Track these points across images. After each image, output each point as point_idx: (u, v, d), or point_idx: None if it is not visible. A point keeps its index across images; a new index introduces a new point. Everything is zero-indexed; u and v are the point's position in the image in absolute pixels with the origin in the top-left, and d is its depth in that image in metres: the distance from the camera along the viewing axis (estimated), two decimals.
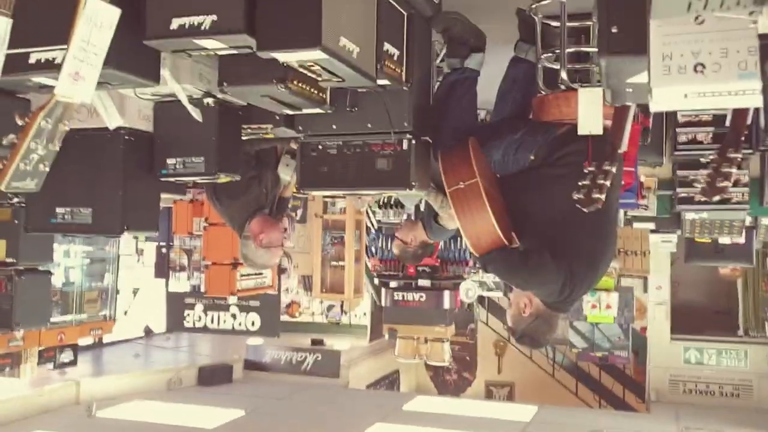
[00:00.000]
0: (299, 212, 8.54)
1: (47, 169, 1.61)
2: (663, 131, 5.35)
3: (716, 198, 1.85)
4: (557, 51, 2.78)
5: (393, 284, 6.10)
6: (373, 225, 7.08)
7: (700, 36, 1.32)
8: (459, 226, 2.65)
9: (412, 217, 5.80)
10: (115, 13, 1.71)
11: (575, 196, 1.98)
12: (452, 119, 2.97)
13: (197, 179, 3.08)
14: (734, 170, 1.79)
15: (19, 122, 1.58)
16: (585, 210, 2.00)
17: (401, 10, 2.67)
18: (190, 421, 7.50)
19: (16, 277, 3.73)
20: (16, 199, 3.57)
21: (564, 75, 2.68)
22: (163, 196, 3.72)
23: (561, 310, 2.80)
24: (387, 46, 2.53)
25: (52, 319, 7.36)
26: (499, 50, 3.13)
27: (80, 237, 6.52)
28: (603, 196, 1.96)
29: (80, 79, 1.56)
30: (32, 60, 2.13)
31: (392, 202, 6.04)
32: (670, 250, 7.49)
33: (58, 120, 1.56)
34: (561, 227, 2.62)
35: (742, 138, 1.94)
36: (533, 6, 2.85)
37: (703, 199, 1.89)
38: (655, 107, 1.40)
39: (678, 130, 5.24)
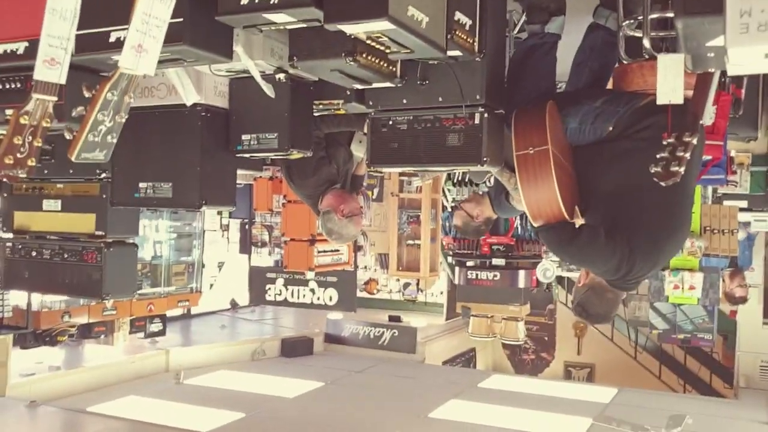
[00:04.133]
0: (375, 191, 8.57)
1: (115, 141, 1.67)
2: (759, 102, 5.05)
3: None
4: (640, 17, 2.65)
5: (469, 263, 6.05)
6: (447, 203, 7.04)
7: None
8: (522, 193, 2.59)
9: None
10: None
11: (653, 170, 1.89)
12: (528, 85, 2.88)
13: (271, 155, 3.13)
14: None
15: (87, 94, 1.64)
16: (663, 184, 1.90)
17: None
18: (272, 390, 7.74)
19: (105, 249, 3.90)
20: (104, 174, 3.74)
21: (647, 43, 2.55)
22: (242, 172, 3.82)
23: (623, 288, 2.73)
24: (458, 15, 2.47)
25: (142, 291, 7.76)
26: (576, 17, 3.02)
27: (162, 210, 6.78)
28: (682, 169, 1.86)
29: (143, 51, 1.60)
30: (112, 39, 2.22)
31: (466, 180, 5.98)
32: (765, 229, 7.12)
33: (123, 92, 1.61)
34: (628, 203, 2.54)
35: None
36: None
37: None
38: (733, 70, 1.30)
39: None
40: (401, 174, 8.39)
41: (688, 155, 1.87)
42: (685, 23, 1.40)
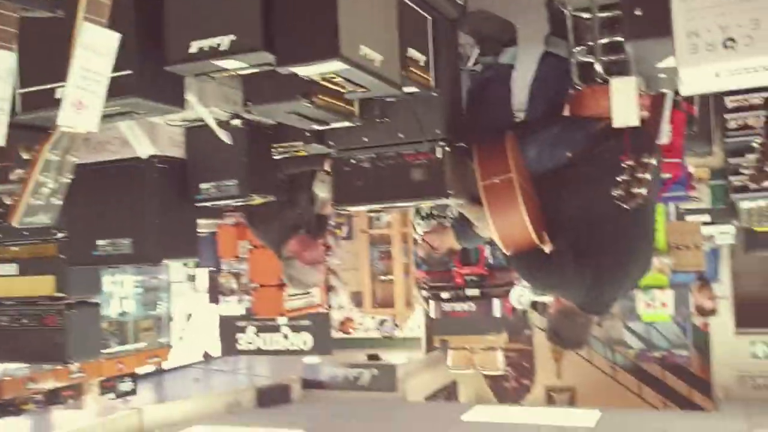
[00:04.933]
0: (345, 228, 8.53)
1: (60, 202, 1.60)
2: (711, 118, 5.15)
3: (766, 183, 1.73)
4: (590, 43, 2.68)
5: (443, 295, 6.01)
6: (418, 237, 7.01)
7: (728, 8, 1.21)
8: (490, 222, 2.59)
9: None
10: (114, 38, 1.69)
11: (614, 193, 1.90)
12: (487, 116, 2.90)
13: (232, 202, 3.07)
14: None
15: (25, 156, 1.57)
16: (626, 206, 1.90)
17: (424, 14, 2.62)
18: None
19: (66, 311, 3.77)
20: (60, 234, 3.63)
21: (599, 68, 2.58)
22: (203, 222, 3.75)
23: (594, 312, 2.73)
24: (411, 51, 2.49)
25: (110, 350, 7.51)
26: (528, 47, 3.04)
27: (122, 267, 6.61)
28: (644, 191, 1.87)
29: (83, 108, 1.55)
30: (58, 95, 2.16)
31: (434, 213, 5.97)
32: (728, 241, 7.22)
33: (65, 151, 1.54)
34: (593, 227, 2.56)
35: None
36: None
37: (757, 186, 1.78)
38: (685, 90, 1.31)
39: (726, 116, 5.04)
40: (369, 210, 8.37)
41: (648, 176, 1.87)
42: (635, 46, 1.41)
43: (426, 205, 3.11)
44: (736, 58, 1.25)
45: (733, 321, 9.67)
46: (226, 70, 2.18)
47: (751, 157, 1.75)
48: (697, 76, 1.27)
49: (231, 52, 2.06)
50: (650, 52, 1.42)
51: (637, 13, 1.41)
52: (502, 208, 2.54)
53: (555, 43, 2.95)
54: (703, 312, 6.62)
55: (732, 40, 1.21)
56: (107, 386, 7.69)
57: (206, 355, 11.54)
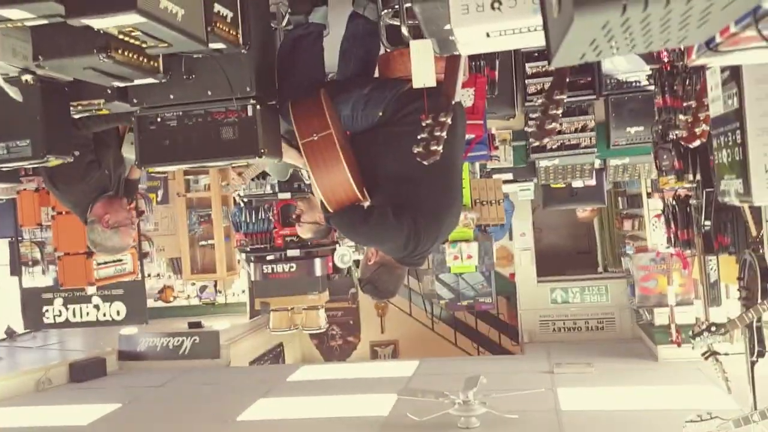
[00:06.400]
0: (160, 193, 8.19)
1: None
2: (513, 83, 5.54)
3: (546, 140, 1.91)
4: (396, 7, 2.77)
5: (267, 258, 6.00)
6: (239, 199, 6.91)
7: None
8: (313, 180, 2.63)
9: (276, 188, 5.72)
10: None
11: (415, 150, 2.00)
12: (299, 75, 2.91)
13: (26, 164, 2.84)
14: (559, 111, 1.86)
15: None
16: (425, 162, 2.02)
17: None
18: (62, 420, 7.10)
19: None
20: None
21: (405, 30, 2.68)
22: None
23: (411, 264, 2.88)
24: (218, 7, 2.41)
25: None
26: (342, 8, 3.08)
27: None
28: (440, 148, 1.99)
29: None
30: None
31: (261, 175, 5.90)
32: (529, 197, 7.86)
33: None
34: (406, 183, 2.68)
35: (566, 80, 2.01)
36: None
37: (555, 146, 1.95)
38: (464, 50, 1.41)
39: (527, 81, 5.44)
40: (186, 173, 8.08)
41: (444, 134, 1.99)
42: (421, 8, 1.48)
43: (239, 164, 3.06)
44: (503, 19, 1.35)
45: (534, 270, 10.57)
46: (10, 20, 2.00)
47: (534, 115, 1.92)
48: (471, 35, 1.38)
49: (14, 0, 1.89)
50: (435, 13, 1.51)
51: None
52: (324, 165, 2.59)
53: (362, 4, 3.02)
54: None
55: (498, 2, 1.31)
56: None
57: (9, 332, 10.65)
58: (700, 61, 1.40)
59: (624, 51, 0.97)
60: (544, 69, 5.36)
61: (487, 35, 1.36)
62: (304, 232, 3.61)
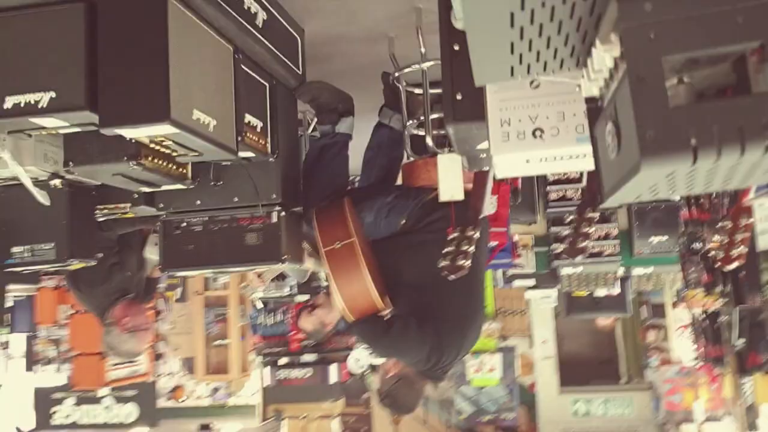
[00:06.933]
0: (179, 291, 8.15)
1: None
2: (535, 189, 5.57)
3: (579, 258, 1.86)
4: (422, 117, 2.81)
5: (280, 362, 5.87)
6: (254, 301, 6.86)
7: (537, 100, 1.32)
8: (335, 289, 2.58)
9: (295, 289, 5.67)
10: None
11: (440, 264, 1.96)
12: (323, 182, 2.93)
13: (48, 267, 2.84)
14: (593, 229, 1.82)
15: None
16: (451, 278, 1.97)
17: (262, 81, 2.62)
18: None
19: None
20: None
21: (430, 141, 2.70)
22: (16, 287, 3.43)
23: (434, 378, 2.78)
24: (249, 117, 2.46)
25: None
26: (365, 116, 3.14)
27: None
28: (468, 263, 1.95)
29: None
30: None
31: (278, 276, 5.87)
32: (551, 305, 7.70)
33: None
34: (429, 292, 2.62)
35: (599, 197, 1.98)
36: (396, 74, 2.89)
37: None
38: (499, 173, 1.40)
39: (548, 188, 5.47)
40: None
41: (472, 249, 1.95)
42: (455, 129, 1.49)
43: (261, 269, 3.04)
44: (545, 147, 1.34)
45: (557, 380, 10.23)
46: (44, 128, 2.05)
47: (566, 232, 1.89)
48: (509, 161, 1.36)
49: (51, 109, 1.94)
50: (469, 135, 1.51)
51: (458, 97, 1.50)
52: (346, 274, 2.56)
53: (387, 114, 3.08)
54: None
55: (541, 130, 1.30)
56: None
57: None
58: (759, 202, 1.37)
59: (681, 192, 0.94)
60: (565, 176, 5.39)
61: (527, 161, 1.34)
62: (306, 323, 3.41)
